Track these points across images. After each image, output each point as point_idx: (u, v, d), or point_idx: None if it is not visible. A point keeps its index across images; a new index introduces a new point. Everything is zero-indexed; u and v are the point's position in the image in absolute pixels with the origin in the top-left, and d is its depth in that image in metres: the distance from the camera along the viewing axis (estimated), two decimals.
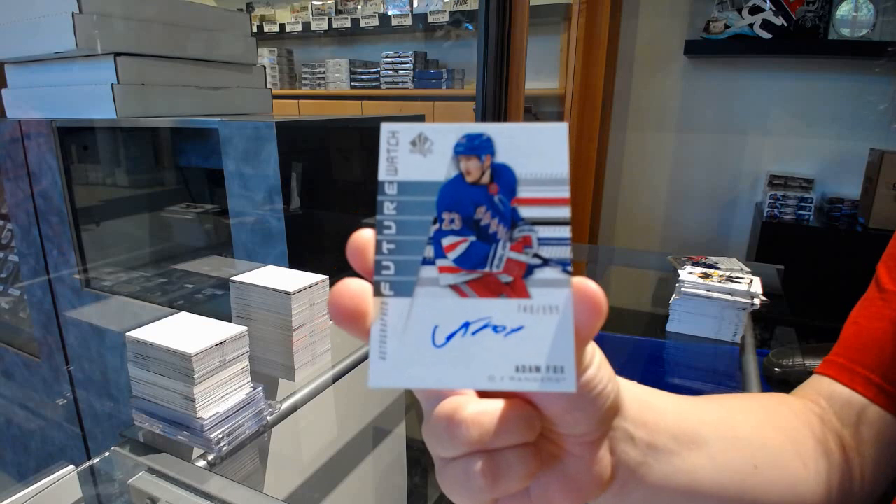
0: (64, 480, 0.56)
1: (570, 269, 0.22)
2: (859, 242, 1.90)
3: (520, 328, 0.22)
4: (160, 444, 0.62)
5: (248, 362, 0.65)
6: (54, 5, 0.99)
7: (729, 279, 1.01)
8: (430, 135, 0.23)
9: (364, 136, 1.14)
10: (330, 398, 0.91)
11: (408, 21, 2.73)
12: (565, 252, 0.23)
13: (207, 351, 0.59)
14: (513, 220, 0.23)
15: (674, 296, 1.01)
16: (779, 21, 2.03)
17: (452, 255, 0.23)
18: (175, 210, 1.34)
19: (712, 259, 1.22)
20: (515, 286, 0.22)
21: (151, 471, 0.59)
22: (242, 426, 0.64)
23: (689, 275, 1.03)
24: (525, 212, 0.23)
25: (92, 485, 0.60)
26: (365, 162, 1.14)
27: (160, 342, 0.60)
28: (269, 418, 0.69)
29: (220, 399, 0.62)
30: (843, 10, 1.97)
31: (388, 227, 0.22)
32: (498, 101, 1.53)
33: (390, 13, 2.78)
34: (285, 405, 0.75)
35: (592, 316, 0.22)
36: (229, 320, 0.72)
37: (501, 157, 0.23)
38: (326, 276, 0.76)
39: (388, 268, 0.22)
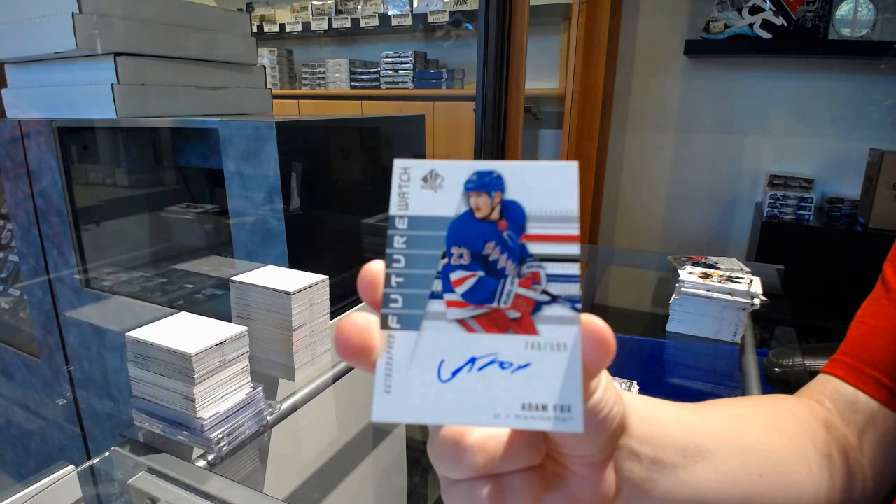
0: (64, 480, 0.56)
1: (579, 306, 0.22)
2: (859, 242, 1.90)
3: (527, 365, 0.22)
4: (160, 444, 0.62)
5: (248, 362, 0.65)
6: (54, 5, 0.99)
7: (729, 279, 1.01)
8: (441, 171, 0.23)
9: (364, 136, 1.14)
10: (330, 398, 0.91)
11: (408, 21, 2.73)
12: (574, 289, 0.22)
13: (207, 351, 0.59)
14: (522, 257, 0.23)
15: (674, 296, 1.01)
16: (779, 21, 2.03)
17: (460, 289, 0.23)
18: (175, 210, 1.33)
19: (712, 259, 1.22)
20: (523, 322, 0.22)
21: (151, 471, 0.59)
22: (242, 426, 0.64)
23: (689, 275, 1.03)
24: (534, 248, 0.23)
25: (92, 485, 0.60)
26: (365, 162, 1.14)
27: (160, 342, 0.60)
28: (269, 418, 0.68)
29: (220, 399, 0.62)
30: (843, 10, 1.97)
31: (398, 261, 0.23)
32: (498, 101, 1.53)
33: (390, 13, 2.78)
34: (285, 405, 0.75)
35: (601, 354, 0.22)
36: (229, 320, 0.72)
37: (511, 194, 0.23)
38: (326, 276, 0.76)
39: (395, 301, 0.22)
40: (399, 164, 0.23)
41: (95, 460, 0.61)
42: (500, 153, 1.57)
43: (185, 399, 0.60)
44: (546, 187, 0.23)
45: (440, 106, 2.48)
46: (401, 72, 2.74)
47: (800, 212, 2.02)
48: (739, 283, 0.99)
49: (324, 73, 3.03)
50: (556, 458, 0.25)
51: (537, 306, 0.22)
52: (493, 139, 1.54)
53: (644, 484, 0.29)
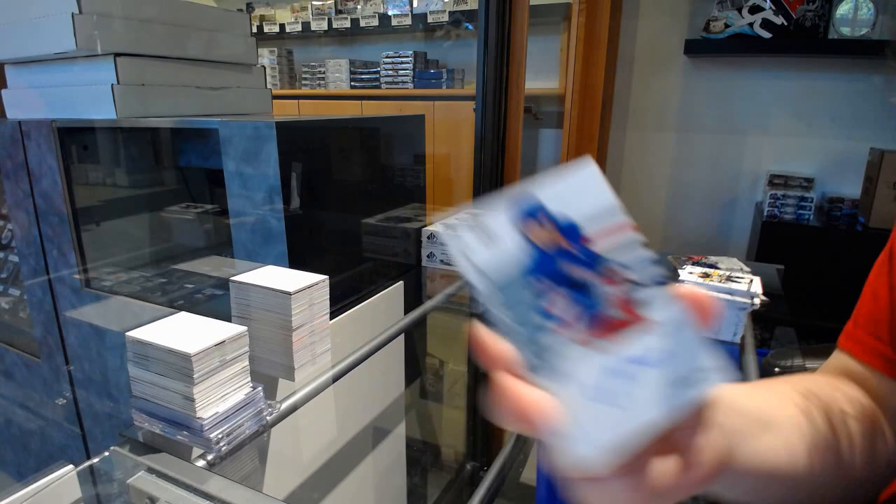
0: (64, 480, 0.56)
1: (664, 281, 0.24)
2: (859, 242, 1.90)
3: (653, 349, 0.23)
4: (160, 443, 0.62)
5: (247, 362, 0.65)
6: (54, 5, 0.99)
7: (729, 279, 1.01)
8: (485, 221, 0.24)
9: (364, 136, 1.14)
10: (330, 398, 0.91)
11: (408, 21, 2.72)
12: (653, 268, 0.24)
13: (207, 351, 0.59)
14: (593, 261, 0.24)
15: None
16: (779, 20, 2.03)
17: (561, 313, 0.24)
18: (175, 210, 1.33)
19: (712, 259, 1.22)
20: (629, 315, 0.23)
21: (151, 471, 0.59)
22: (242, 426, 0.64)
23: (689, 275, 1.03)
24: (598, 248, 0.24)
25: (91, 485, 0.60)
26: (365, 162, 1.14)
27: (160, 342, 0.60)
28: (268, 418, 0.68)
29: (220, 399, 0.62)
30: (843, 9, 1.97)
31: (502, 322, 0.24)
32: (498, 101, 1.53)
33: (390, 13, 2.78)
34: (285, 405, 0.75)
35: (706, 314, 0.23)
36: (229, 320, 0.72)
37: (553, 210, 0.24)
38: (326, 276, 0.76)
39: (527, 357, 0.23)
40: (447, 235, 0.24)
41: (95, 460, 0.61)
42: (500, 153, 1.57)
43: (185, 399, 0.60)
44: (578, 191, 0.24)
45: (440, 106, 2.48)
46: (401, 72, 2.74)
47: (800, 211, 2.02)
48: (739, 282, 0.99)
49: (324, 73, 3.03)
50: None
51: (631, 296, 0.24)
52: (493, 139, 1.54)
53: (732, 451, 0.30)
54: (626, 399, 0.23)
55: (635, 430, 0.23)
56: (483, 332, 0.24)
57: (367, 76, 2.89)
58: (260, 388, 0.67)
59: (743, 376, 0.88)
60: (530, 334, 0.23)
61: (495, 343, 0.23)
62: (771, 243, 2.00)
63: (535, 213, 0.24)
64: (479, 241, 0.24)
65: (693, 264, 1.15)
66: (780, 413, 0.35)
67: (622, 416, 0.23)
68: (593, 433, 0.23)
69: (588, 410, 0.23)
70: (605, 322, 0.24)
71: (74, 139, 1.16)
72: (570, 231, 0.24)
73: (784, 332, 1.13)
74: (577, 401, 0.23)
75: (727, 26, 2.10)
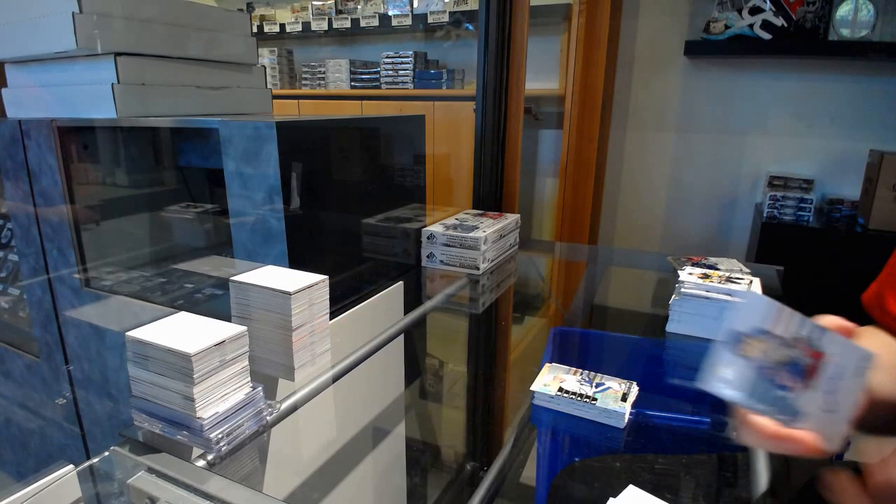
0: (63, 480, 0.56)
1: (818, 325, 0.40)
2: (859, 243, 1.90)
3: (836, 367, 0.39)
4: (160, 443, 0.62)
5: (247, 362, 0.65)
6: (55, 5, 0.99)
7: (728, 280, 1.01)
8: (718, 362, 0.41)
9: (364, 136, 1.14)
10: (329, 398, 0.91)
11: (408, 21, 2.73)
12: (809, 323, 0.40)
13: (207, 351, 0.59)
14: (783, 342, 0.40)
15: (673, 296, 1.01)
16: (779, 21, 2.03)
17: (787, 382, 0.40)
18: (175, 210, 1.33)
19: (712, 260, 1.22)
20: (816, 358, 0.40)
21: (151, 470, 0.59)
22: (242, 426, 0.64)
23: (688, 275, 1.03)
24: (779, 331, 0.40)
25: (91, 484, 0.60)
26: (365, 162, 1.14)
27: (160, 342, 0.60)
28: (268, 418, 0.69)
29: (220, 399, 0.62)
30: (843, 11, 1.97)
31: (761, 410, 0.40)
32: (498, 101, 1.53)
33: (390, 13, 2.78)
34: (285, 405, 0.75)
35: (848, 329, 0.42)
36: (229, 320, 0.72)
37: (746, 330, 0.41)
38: (326, 276, 0.76)
39: (783, 419, 0.40)
40: (711, 389, 0.41)
41: (95, 460, 0.61)
42: (500, 153, 1.57)
43: (185, 399, 0.60)
44: (750, 309, 0.41)
45: (440, 106, 2.48)
46: (401, 72, 2.74)
47: (799, 213, 2.02)
48: (739, 283, 0.99)
49: (324, 73, 3.03)
50: None
51: (811, 346, 0.40)
52: (493, 139, 1.54)
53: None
54: (836, 404, 0.39)
55: (848, 417, 0.39)
56: (760, 422, 0.40)
57: (367, 76, 2.89)
58: (260, 388, 0.67)
59: None
60: (781, 406, 0.40)
61: (769, 424, 0.40)
62: (770, 244, 2.00)
63: (739, 338, 0.41)
64: (724, 377, 0.41)
65: (693, 265, 1.15)
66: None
67: (840, 416, 0.39)
68: (831, 433, 0.39)
69: (823, 424, 0.39)
70: (807, 369, 0.40)
71: (74, 138, 1.16)
72: (763, 334, 0.40)
73: None
74: (817, 423, 0.39)
75: (727, 27, 2.10)
